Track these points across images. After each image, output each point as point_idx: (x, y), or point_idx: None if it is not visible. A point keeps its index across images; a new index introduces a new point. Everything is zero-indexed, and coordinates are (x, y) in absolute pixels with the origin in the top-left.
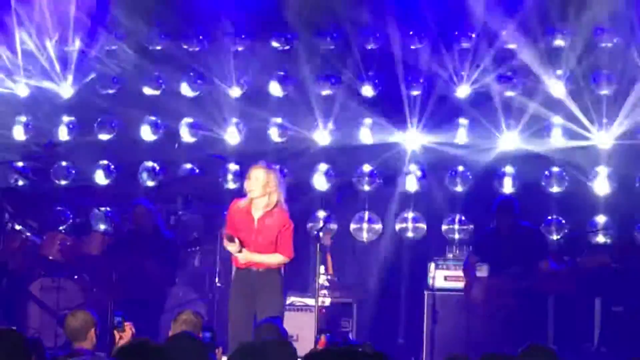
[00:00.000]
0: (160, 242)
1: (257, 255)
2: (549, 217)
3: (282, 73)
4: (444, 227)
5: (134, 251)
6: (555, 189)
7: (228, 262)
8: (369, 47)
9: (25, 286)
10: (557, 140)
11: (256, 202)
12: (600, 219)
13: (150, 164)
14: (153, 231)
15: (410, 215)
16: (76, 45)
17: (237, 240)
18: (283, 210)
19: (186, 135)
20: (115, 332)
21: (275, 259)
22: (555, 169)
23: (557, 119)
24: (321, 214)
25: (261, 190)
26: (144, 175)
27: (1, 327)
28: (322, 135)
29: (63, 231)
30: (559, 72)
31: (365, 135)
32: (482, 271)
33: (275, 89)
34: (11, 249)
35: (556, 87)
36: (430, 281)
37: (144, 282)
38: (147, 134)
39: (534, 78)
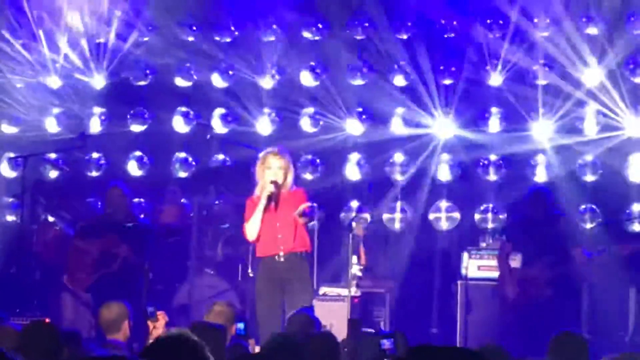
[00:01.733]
0: (134, 227)
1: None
2: (583, 206)
3: (313, 63)
4: (477, 217)
5: (109, 236)
6: (589, 177)
7: None
8: (400, 37)
9: (59, 277)
10: (590, 128)
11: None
12: (636, 207)
13: (182, 155)
14: (126, 215)
15: (443, 204)
16: (108, 37)
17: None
18: (298, 189)
19: (218, 127)
20: (149, 322)
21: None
22: (589, 158)
23: (590, 108)
24: (354, 203)
25: (284, 179)
26: (177, 166)
27: (35, 319)
28: (355, 125)
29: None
30: (593, 60)
31: (397, 124)
32: (516, 261)
33: (306, 79)
34: (44, 240)
35: (590, 76)
36: (463, 271)
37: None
38: (179, 125)
39: (567, 66)
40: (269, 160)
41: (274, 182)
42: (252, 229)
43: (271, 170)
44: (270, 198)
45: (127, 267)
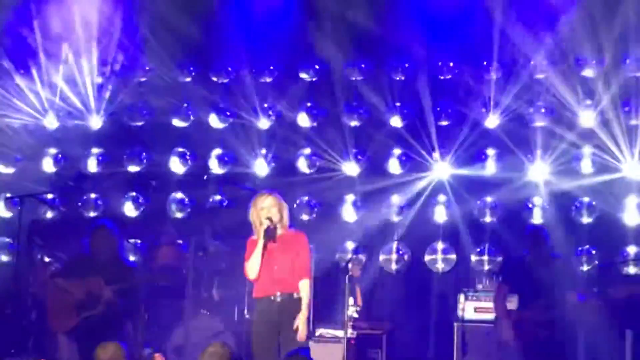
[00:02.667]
0: (120, 270)
1: (304, 306)
2: (579, 248)
3: (310, 104)
4: (473, 258)
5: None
6: (585, 219)
7: None
8: (397, 78)
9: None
10: (587, 170)
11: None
12: (631, 249)
13: (179, 195)
14: (111, 257)
15: (440, 246)
16: (106, 78)
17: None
18: (298, 231)
19: (215, 167)
20: None
21: (307, 287)
22: (585, 200)
23: (587, 149)
24: (350, 245)
25: (278, 216)
26: (173, 206)
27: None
28: (351, 166)
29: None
30: (589, 102)
31: (394, 165)
32: (512, 303)
33: (303, 120)
34: (40, 281)
35: (586, 117)
36: (460, 313)
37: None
38: (176, 165)
39: (563, 108)
40: (259, 201)
41: (269, 218)
42: (252, 267)
43: (264, 211)
44: (267, 234)
45: (111, 310)
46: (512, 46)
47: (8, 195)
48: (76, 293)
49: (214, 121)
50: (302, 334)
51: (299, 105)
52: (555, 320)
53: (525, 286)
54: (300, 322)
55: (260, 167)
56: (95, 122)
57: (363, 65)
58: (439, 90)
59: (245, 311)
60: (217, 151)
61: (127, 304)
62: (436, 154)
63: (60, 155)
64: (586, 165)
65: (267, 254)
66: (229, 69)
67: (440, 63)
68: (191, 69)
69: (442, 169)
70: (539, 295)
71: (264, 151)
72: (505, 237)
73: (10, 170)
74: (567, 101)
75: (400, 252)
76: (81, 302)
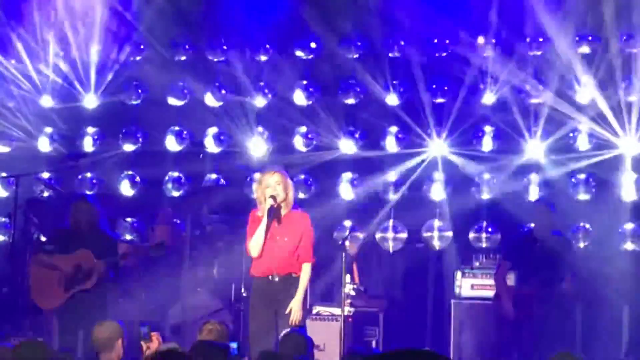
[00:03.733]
0: (103, 241)
1: (300, 290)
2: (576, 225)
3: (306, 82)
4: (471, 236)
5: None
6: (582, 196)
7: None
8: (393, 56)
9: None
10: (584, 146)
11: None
12: (628, 226)
13: (175, 174)
14: (93, 229)
15: (436, 223)
16: (101, 56)
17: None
18: (303, 212)
19: (211, 146)
20: (143, 342)
21: (307, 271)
22: (581, 176)
23: (584, 126)
24: (347, 223)
25: (283, 194)
26: (169, 185)
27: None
28: (348, 144)
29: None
30: (586, 78)
31: (391, 143)
32: (510, 279)
33: (299, 98)
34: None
35: (583, 94)
36: (457, 290)
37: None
38: (172, 144)
39: (560, 84)
40: (265, 178)
41: (273, 197)
42: (255, 245)
43: (269, 188)
44: (271, 212)
45: (103, 284)
46: (508, 22)
47: (4, 174)
48: (63, 267)
49: (210, 100)
50: (294, 317)
51: (294, 83)
52: (553, 296)
53: (526, 261)
54: (295, 306)
55: (256, 146)
56: (91, 101)
57: (359, 43)
58: (435, 68)
59: (243, 289)
60: (213, 129)
61: (117, 277)
62: (432, 130)
63: (55, 135)
64: (583, 142)
65: (269, 232)
66: (225, 47)
67: (436, 40)
68: (187, 47)
69: (438, 146)
70: (539, 270)
71: (260, 129)
72: (505, 215)
73: (5, 148)
74: (565, 77)
75: (397, 230)
76: (70, 276)
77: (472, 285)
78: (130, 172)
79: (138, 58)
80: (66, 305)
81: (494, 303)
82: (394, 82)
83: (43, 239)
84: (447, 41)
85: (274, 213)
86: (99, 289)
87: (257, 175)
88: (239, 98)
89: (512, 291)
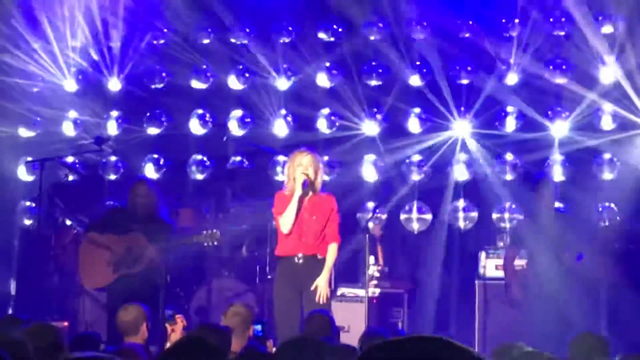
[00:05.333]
0: (159, 227)
1: (327, 269)
2: (600, 205)
3: (329, 64)
4: (494, 216)
5: (134, 233)
6: (606, 176)
7: None
8: (416, 37)
9: (78, 281)
10: (607, 127)
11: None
12: None
13: (199, 157)
14: (150, 213)
15: (461, 204)
16: (124, 40)
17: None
18: (330, 194)
19: (235, 129)
20: (167, 325)
21: (333, 251)
22: (606, 156)
23: (607, 106)
24: (370, 204)
25: (313, 176)
26: (193, 168)
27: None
28: (371, 126)
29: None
30: (609, 58)
31: (414, 124)
32: (523, 261)
33: (322, 80)
34: (62, 244)
35: (606, 74)
36: (481, 270)
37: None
38: (195, 127)
39: (584, 64)
40: (298, 158)
41: (306, 174)
42: (287, 221)
43: (302, 167)
44: (305, 186)
45: (150, 269)
46: (533, 2)
47: (29, 159)
48: (114, 248)
49: (234, 82)
50: (321, 295)
51: (317, 65)
52: (559, 276)
53: (530, 240)
54: (321, 283)
55: (280, 128)
56: (114, 84)
57: (381, 25)
58: (458, 49)
59: (267, 271)
60: (236, 112)
61: (164, 263)
62: (455, 112)
63: (79, 119)
64: (607, 122)
65: (300, 210)
66: (247, 30)
67: (459, 22)
68: (209, 30)
69: (462, 127)
70: (541, 249)
71: (283, 112)
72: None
73: (30, 133)
74: (587, 58)
75: (421, 210)
76: (120, 258)
77: (496, 266)
78: (155, 156)
79: (162, 42)
80: (114, 288)
81: (504, 287)
82: (417, 63)
83: (68, 222)
84: (470, 22)
85: (308, 186)
86: (149, 274)
87: (286, 157)
88: (262, 80)
89: (521, 274)
